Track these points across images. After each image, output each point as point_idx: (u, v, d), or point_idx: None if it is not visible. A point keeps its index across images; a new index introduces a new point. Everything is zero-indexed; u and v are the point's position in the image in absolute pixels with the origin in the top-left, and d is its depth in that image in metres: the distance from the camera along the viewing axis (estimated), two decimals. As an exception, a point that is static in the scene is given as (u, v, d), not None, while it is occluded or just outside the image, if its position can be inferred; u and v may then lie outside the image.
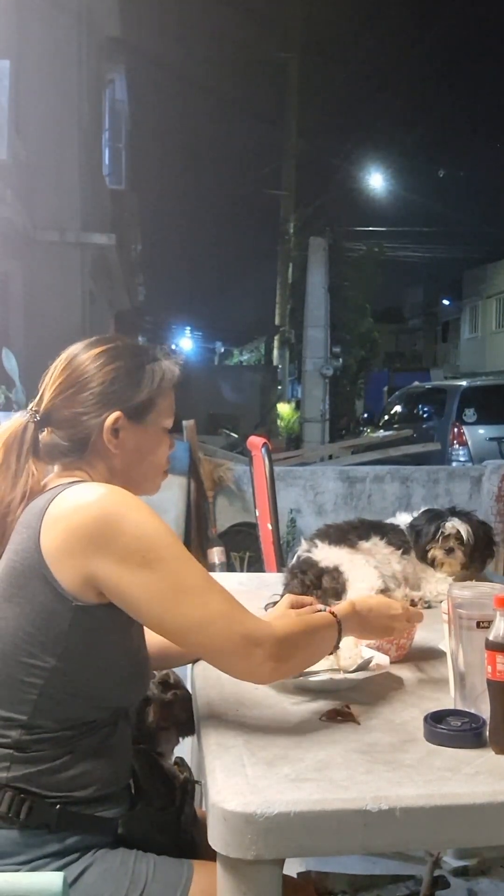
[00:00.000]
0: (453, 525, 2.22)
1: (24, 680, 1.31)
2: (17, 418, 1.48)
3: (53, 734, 1.31)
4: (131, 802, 1.39)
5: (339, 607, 1.52)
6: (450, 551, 2.20)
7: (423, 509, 2.33)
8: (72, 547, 1.30)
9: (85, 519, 1.31)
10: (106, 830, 1.34)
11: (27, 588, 1.32)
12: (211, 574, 1.39)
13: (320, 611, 1.61)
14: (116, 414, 1.45)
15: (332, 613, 1.49)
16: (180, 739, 1.72)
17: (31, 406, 1.48)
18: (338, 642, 1.48)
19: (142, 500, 1.38)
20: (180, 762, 1.53)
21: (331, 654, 1.50)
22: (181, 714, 1.67)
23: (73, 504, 1.33)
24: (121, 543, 1.30)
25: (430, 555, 2.21)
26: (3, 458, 1.44)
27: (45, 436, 1.47)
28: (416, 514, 2.31)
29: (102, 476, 1.46)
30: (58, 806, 1.30)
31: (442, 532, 2.20)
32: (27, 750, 1.31)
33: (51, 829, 1.29)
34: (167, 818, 1.42)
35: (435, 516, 2.25)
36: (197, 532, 6.03)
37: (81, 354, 1.48)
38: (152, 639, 1.48)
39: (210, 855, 1.39)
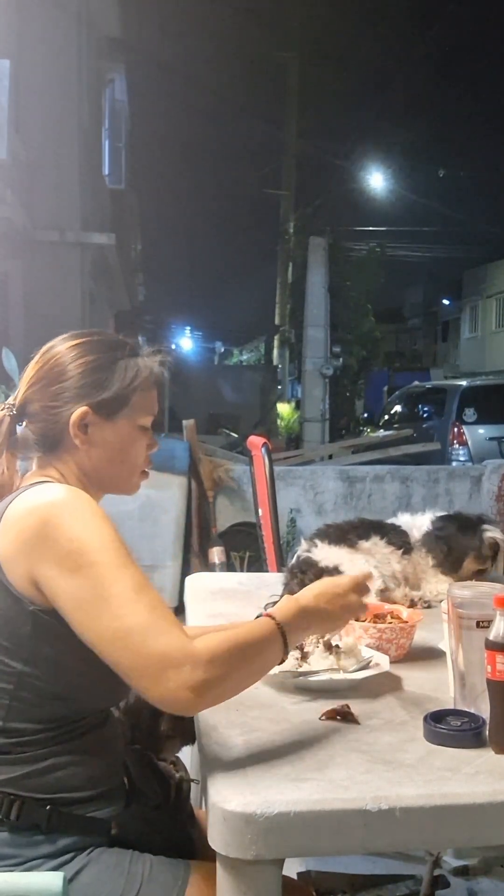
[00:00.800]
0: (493, 535, 2.21)
1: None
2: None
3: (33, 736, 1.30)
4: (126, 802, 1.38)
5: (280, 609, 1.37)
6: (487, 559, 2.20)
7: (438, 515, 2.30)
8: (19, 549, 1.28)
9: (33, 521, 1.28)
10: (100, 830, 1.33)
11: None
12: (148, 583, 1.29)
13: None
14: (83, 409, 1.42)
15: (271, 617, 1.34)
16: (182, 748, 1.72)
17: (9, 399, 1.48)
18: (286, 651, 1.33)
19: (95, 505, 1.33)
20: (175, 761, 1.52)
21: (280, 663, 1.35)
22: (190, 724, 1.66)
23: (27, 506, 1.31)
24: (57, 547, 1.26)
25: (466, 565, 2.19)
26: None
27: (22, 430, 1.46)
28: (432, 520, 2.27)
29: (74, 474, 1.44)
30: (48, 806, 1.29)
31: (482, 542, 2.19)
32: (9, 753, 1.29)
33: (42, 829, 1.28)
34: (162, 817, 1.42)
35: (465, 525, 2.23)
36: (197, 532, 6.03)
37: (57, 346, 1.47)
38: None
39: (207, 855, 1.39)
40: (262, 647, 1.30)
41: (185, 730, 1.67)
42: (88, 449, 1.44)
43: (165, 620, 1.23)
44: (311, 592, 1.42)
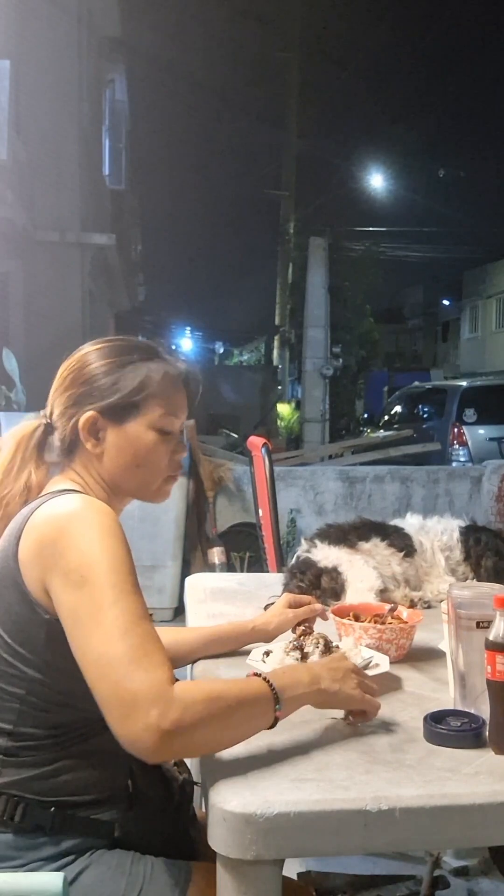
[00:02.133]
0: None
1: (5, 688, 1.30)
2: (34, 418, 1.50)
3: (41, 741, 1.30)
4: (129, 804, 1.38)
5: (280, 673, 1.30)
6: None
7: (467, 525, 2.33)
8: (35, 556, 1.28)
9: (49, 530, 1.28)
10: (103, 833, 1.33)
11: (4, 595, 1.31)
12: (145, 615, 1.25)
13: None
14: (90, 414, 1.42)
15: (267, 681, 1.25)
16: None
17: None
18: (275, 718, 1.25)
19: (112, 521, 1.30)
20: (179, 763, 1.51)
21: (269, 728, 1.25)
22: None
23: (46, 515, 1.30)
24: (66, 559, 1.25)
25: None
26: (11, 456, 1.46)
27: (52, 437, 1.48)
28: (458, 526, 2.30)
29: (93, 480, 1.44)
30: (52, 808, 1.29)
31: None
32: (17, 756, 1.30)
33: (46, 832, 1.28)
34: (165, 819, 1.41)
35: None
36: (197, 532, 6.03)
37: (79, 352, 1.48)
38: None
39: (208, 856, 1.39)
40: (247, 707, 1.22)
41: None
42: (102, 455, 1.44)
43: (150, 658, 1.18)
44: (320, 670, 1.33)
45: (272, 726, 1.25)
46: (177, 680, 1.19)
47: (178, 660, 1.68)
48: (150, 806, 1.39)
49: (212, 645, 1.73)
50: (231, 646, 1.74)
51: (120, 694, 1.15)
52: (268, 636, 1.75)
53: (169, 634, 1.71)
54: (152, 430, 1.45)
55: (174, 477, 1.51)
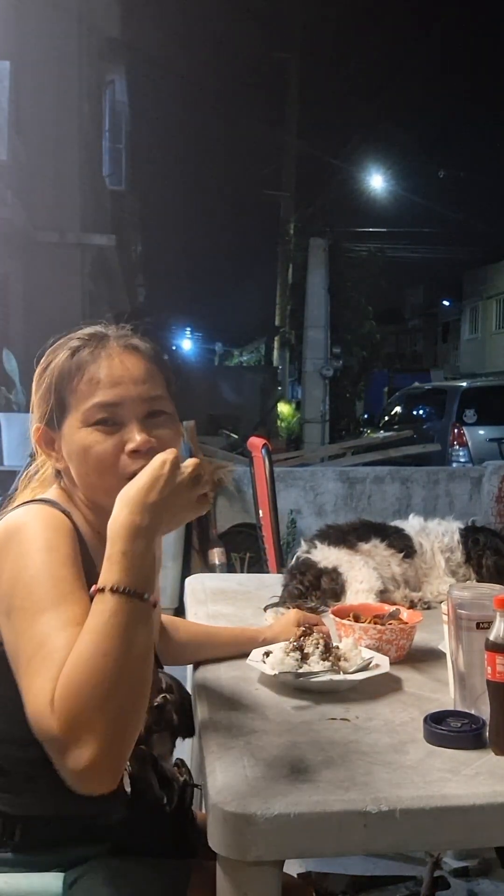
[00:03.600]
0: None
1: None
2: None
3: (30, 763, 1.19)
4: (129, 808, 1.34)
5: (105, 567, 1.09)
6: None
7: (468, 526, 2.33)
8: None
9: None
10: (103, 840, 1.31)
11: None
12: (60, 626, 1.08)
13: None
14: (35, 427, 1.33)
15: (103, 590, 1.07)
16: (177, 742, 1.71)
17: None
18: (143, 595, 1.07)
19: (46, 533, 1.18)
20: (180, 764, 1.51)
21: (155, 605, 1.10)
22: (173, 717, 1.65)
23: None
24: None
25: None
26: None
27: None
28: (458, 528, 2.31)
29: (78, 494, 1.32)
30: (51, 823, 1.26)
31: None
32: (9, 776, 1.25)
33: (47, 845, 1.26)
34: (165, 822, 1.38)
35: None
36: (197, 533, 6.03)
37: None
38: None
39: (208, 857, 1.38)
40: (121, 638, 1.04)
41: (170, 722, 1.64)
42: (66, 465, 1.30)
43: (47, 693, 1.02)
44: (123, 506, 1.11)
45: (155, 605, 1.11)
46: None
47: (185, 655, 1.67)
48: (150, 809, 1.37)
49: (222, 647, 1.71)
50: (238, 651, 1.72)
51: (44, 738, 1.03)
52: None
53: (183, 628, 1.72)
54: (86, 427, 1.25)
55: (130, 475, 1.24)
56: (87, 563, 1.22)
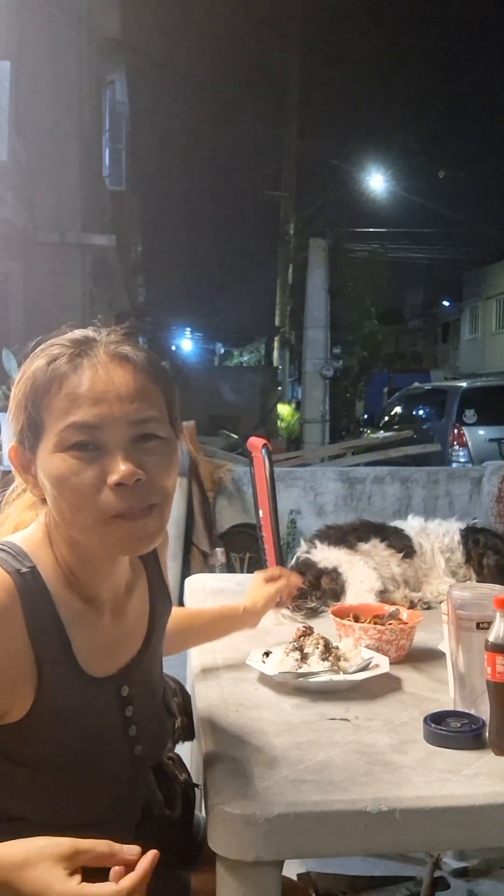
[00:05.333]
0: None
1: None
2: None
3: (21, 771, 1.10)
4: (136, 833, 1.24)
5: None
6: None
7: (468, 526, 2.33)
8: None
9: None
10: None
11: None
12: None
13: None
14: (10, 446, 1.13)
15: None
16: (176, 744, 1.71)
17: None
18: None
19: None
20: (175, 758, 1.45)
21: None
22: (176, 720, 1.64)
23: None
24: None
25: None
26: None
27: None
28: (461, 530, 2.30)
29: (56, 528, 1.13)
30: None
31: None
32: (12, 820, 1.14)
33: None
34: (170, 833, 1.30)
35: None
36: (197, 533, 6.03)
37: None
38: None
39: (209, 858, 1.37)
40: None
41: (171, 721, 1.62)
42: (44, 493, 1.11)
43: None
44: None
45: None
46: None
47: (170, 646, 1.53)
48: (158, 823, 1.29)
49: (206, 629, 1.71)
50: (225, 631, 1.72)
51: None
52: (258, 615, 1.74)
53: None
54: (60, 452, 1.05)
55: (122, 517, 1.05)
56: (49, 623, 1.09)
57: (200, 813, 1.52)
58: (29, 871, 0.93)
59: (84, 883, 0.92)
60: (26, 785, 1.07)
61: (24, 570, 1.08)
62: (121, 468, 1.04)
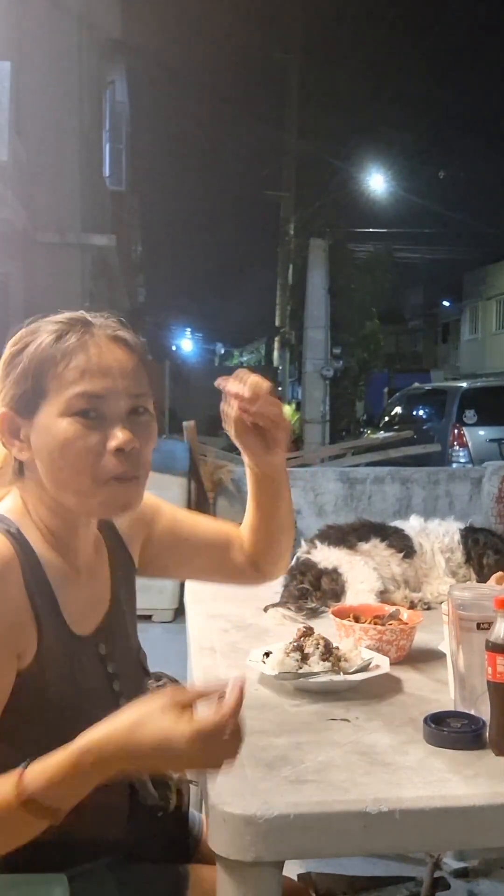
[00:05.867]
0: None
1: None
2: None
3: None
4: (130, 810, 1.32)
5: (44, 767, 1.01)
6: None
7: (467, 527, 2.33)
8: None
9: None
10: (106, 853, 1.28)
11: None
12: None
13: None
14: (1, 412, 1.18)
15: (21, 784, 1.00)
16: None
17: None
18: (44, 815, 1.01)
19: None
20: None
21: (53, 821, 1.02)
22: None
23: None
24: None
25: None
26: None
27: None
28: (461, 529, 2.30)
29: (36, 493, 1.21)
30: (54, 846, 1.16)
31: None
32: None
33: (51, 868, 1.21)
34: (163, 826, 1.36)
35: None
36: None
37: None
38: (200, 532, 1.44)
39: (206, 857, 1.38)
40: None
41: None
42: (33, 461, 1.18)
43: None
44: (117, 746, 1.02)
45: (54, 820, 1.02)
46: None
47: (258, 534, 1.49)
48: (150, 814, 1.34)
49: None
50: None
51: None
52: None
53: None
54: (65, 417, 1.14)
55: (123, 479, 1.16)
56: (39, 583, 1.16)
57: (198, 812, 1.52)
58: (142, 729, 1.01)
59: (194, 719, 1.01)
60: (31, 742, 1.10)
61: (13, 530, 1.17)
62: (121, 435, 1.15)
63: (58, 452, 1.14)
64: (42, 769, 1.01)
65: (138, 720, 1.02)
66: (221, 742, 1.01)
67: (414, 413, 12.78)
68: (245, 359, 30.23)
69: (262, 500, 1.46)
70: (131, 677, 1.31)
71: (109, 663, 1.26)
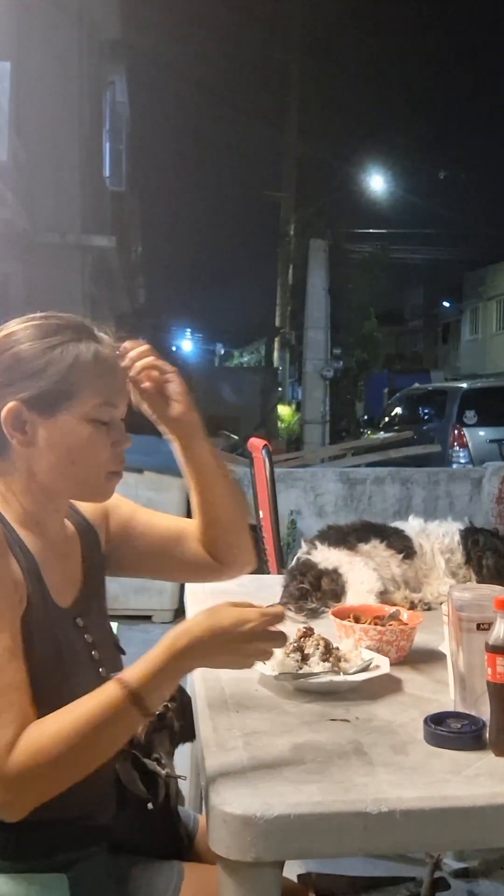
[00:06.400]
0: None
1: None
2: None
3: None
4: (117, 806, 1.35)
5: (142, 664, 1.17)
6: None
7: (467, 527, 2.32)
8: None
9: None
10: (96, 840, 1.30)
11: None
12: (5, 654, 1.14)
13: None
14: (12, 405, 1.25)
15: (124, 683, 1.15)
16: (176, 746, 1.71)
17: None
18: (145, 716, 1.17)
19: None
20: (160, 757, 1.46)
21: (132, 739, 1.24)
22: (173, 723, 1.64)
23: None
24: None
25: None
26: None
27: None
28: (461, 530, 2.30)
29: (22, 480, 1.29)
30: (45, 831, 1.23)
31: None
32: None
33: (41, 852, 1.24)
34: (152, 817, 1.39)
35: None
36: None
37: (3, 331, 1.31)
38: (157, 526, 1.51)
39: (200, 855, 1.38)
40: (105, 726, 1.14)
41: (167, 726, 1.63)
42: (33, 451, 1.28)
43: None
44: (189, 636, 1.18)
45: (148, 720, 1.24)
46: None
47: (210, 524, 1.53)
48: (138, 805, 1.37)
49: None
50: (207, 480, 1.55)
51: None
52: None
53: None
54: (87, 422, 1.29)
55: (118, 474, 1.34)
56: (25, 554, 1.26)
57: (193, 811, 1.53)
58: (221, 613, 1.20)
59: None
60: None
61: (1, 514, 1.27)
62: (126, 439, 1.33)
63: (78, 451, 1.29)
64: (138, 666, 1.16)
65: (215, 609, 1.20)
66: (270, 634, 1.20)
67: (414, 413, 12.77)
68: (245, 359, 30.20)
69: (198, 483, 1.52)
70: (108, 648, 1.39)
71: (87, 634, 1.34)
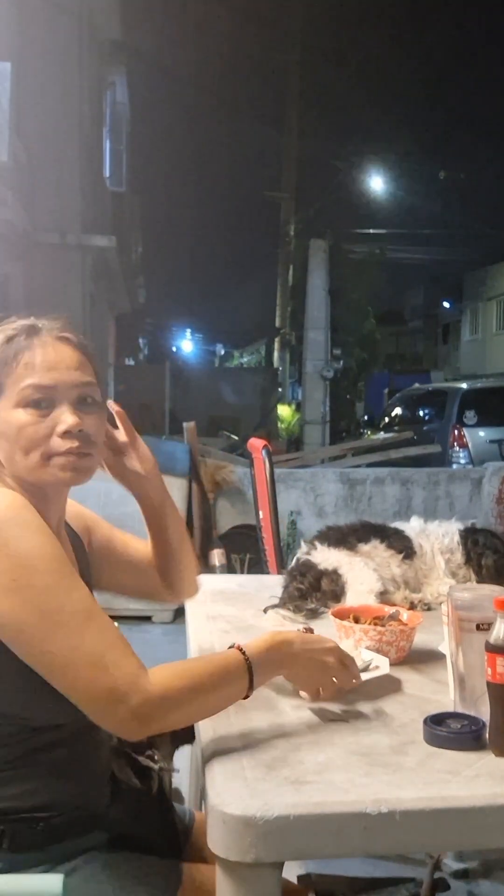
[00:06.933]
0: None
1: None
2: None
3: (9, 764, 1.25)
4: (112, 800, 1.37)
5: (254, 642, 1.34)
6: None
7: (467, 527, 2.32)
8: None
9: None
10: (91, 834, 1.31)
11: None
12: (96, 607, 1.23)
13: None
14: None
15: (241, 651, 1.31)
16: (176, 747, 1.71)
17: None
18: (251, 687, 1.30)
19: (38, 518, 1.24)
20: (153, 754, 1.49)
21: (245, 697, 1.31)
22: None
23: None
24: None
25: None
26: None
27: None
28: (460, 530, 2.30)
29: (7, 474, 1.34)
30: (40, 825, 1.25)
31: None
32: None
33: (37, 847, 1.25)
34: (148, 809, 1.40)
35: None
36: (198, 534, 6.03)
37: None
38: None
39: (199, 854, 1.38)
40: (222, 682, 1.28)
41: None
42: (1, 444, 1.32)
43: (115, 650, 1.20)
44: (296, 635, 1.40)
45: (247, 696, 1.31)
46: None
47: (164, 555, 1.62)
48: (133, 797, 1.39)
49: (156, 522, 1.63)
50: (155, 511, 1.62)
51: (102, 692, 1.17)
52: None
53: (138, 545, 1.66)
54: (21, 408, 1.30)
55: (69, 456, 1.30)
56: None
57: (189, 808, 1.53)
58: (309, 635, 1.45)
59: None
60: (29, 689, 1.23)
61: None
62: (68, 420, 1.30)
63: (14, 437, 1.29)
64: (251, 643, 1.32)
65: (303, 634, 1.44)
66: (344, 666, 1.41)
67: (414, 414, 12.77)
68: (245, 360, 30.21)
69: (149, 519, 1.61)
70: None
71: None
